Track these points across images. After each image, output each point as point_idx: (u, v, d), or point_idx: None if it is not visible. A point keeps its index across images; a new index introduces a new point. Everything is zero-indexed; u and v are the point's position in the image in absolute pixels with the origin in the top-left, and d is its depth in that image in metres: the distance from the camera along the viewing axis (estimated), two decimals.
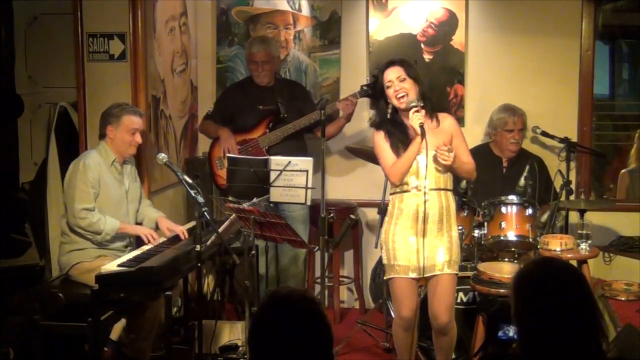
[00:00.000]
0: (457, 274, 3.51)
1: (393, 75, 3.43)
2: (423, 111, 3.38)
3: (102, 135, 3.82)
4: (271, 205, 3.94)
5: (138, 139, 3.82)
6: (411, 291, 3.46)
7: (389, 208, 3.53)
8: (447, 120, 3.53)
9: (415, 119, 3.34)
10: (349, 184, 5.15)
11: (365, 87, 4.43)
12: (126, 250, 3.82)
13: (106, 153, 3.79)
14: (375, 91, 4.15)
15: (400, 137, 3.45)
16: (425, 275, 3.44)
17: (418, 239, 3.41)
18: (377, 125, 3.54)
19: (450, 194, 3.50)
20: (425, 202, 3.39)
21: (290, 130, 4.47)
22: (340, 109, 4.50)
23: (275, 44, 4.76)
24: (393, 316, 4.11)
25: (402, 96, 3.41)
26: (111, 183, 3.78)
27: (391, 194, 3.55)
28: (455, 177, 3.61)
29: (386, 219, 3.53)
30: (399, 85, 3.41)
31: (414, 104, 3.37)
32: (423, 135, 3.32)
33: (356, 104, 4.48)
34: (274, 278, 4.64)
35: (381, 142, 3.50)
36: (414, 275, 3.43)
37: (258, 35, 4.96)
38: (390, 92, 3.43)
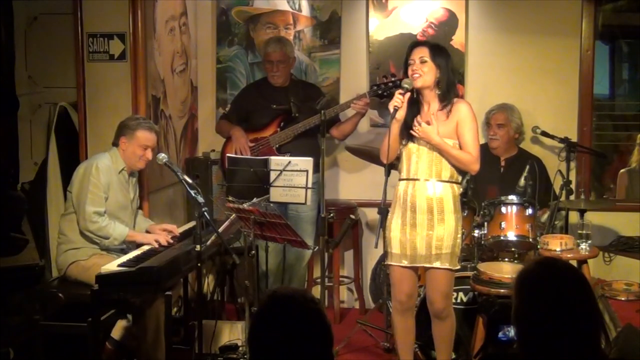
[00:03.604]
0: (451, 269, 3.48)
1: (416, 54, 3.43)
2: (407, 95, 3.38)
3: (115, 144, 3.82)
4: (271, 205, 3.93)
5: (149, 155, 3.81)
6: (405, 277, 3.51)
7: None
8: (457, 106, 3.46)
9: (393, 100, 3.37)
10: (349, 184, 5.15)
11: (375, 87, 4.40)
12: (123, 250, 3.81)
13: (117, 160, 3.79)
14: (386, 89, 4.19)
15: (410, 119, 3.43)
16: (417, 265, 3.48)
17: (407, 228, 3.44)
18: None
19: (445, 185, 3.45)
20: (414, 191, 3.42)
21: (301, 129, 4.46)
22: (356, 110, 4.46)
23: (291, 45, 4.76)
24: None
25: (417, 77, 3.41)
26: (119, 189, 3.78)
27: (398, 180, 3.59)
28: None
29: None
30: (418, 66, 3.41)
31: (406, 86, 3.39)
32: (391, 119, 3.36)
33: (369, 102, 4.46)
34: (279, 276, 4.65)
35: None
36: (405, 263, 3.48)
37: (274, 35, 4.96)
38: (409, 70, 3.44)
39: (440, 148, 3.40)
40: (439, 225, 3.42)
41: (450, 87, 3.45)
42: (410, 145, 3.47)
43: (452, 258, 3.46)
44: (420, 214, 3.42)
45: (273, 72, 4.60)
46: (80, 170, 3.73)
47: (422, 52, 3.42)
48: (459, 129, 3.43)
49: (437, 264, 3.45)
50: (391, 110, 3.38)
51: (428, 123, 3.39)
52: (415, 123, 3.40)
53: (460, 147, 3.44)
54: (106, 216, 3.67)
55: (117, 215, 3.76)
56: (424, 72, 3.40)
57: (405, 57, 3.50)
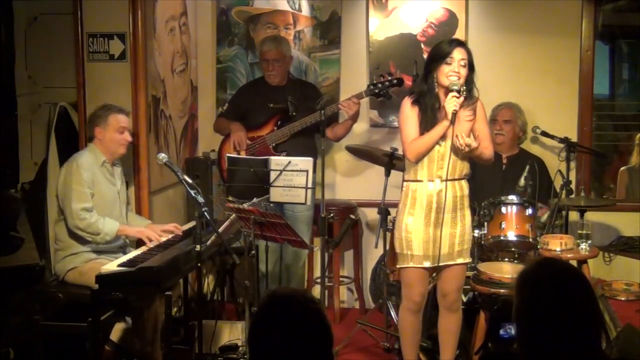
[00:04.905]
0: (469, 262, 3.57)
1: (459, 55, 3.36)
2: (462, 99, 3.35)
3: (91, 138, 3.83)
4: (271, 205, 3.93)
5: (127, 137, 3.83)
6: (422, 279, 3.52)
7: (402, 196, 3.52)
8: (476, 104, 3.50)
9: (451, 102, 3.32)
10: (349, 184, 5.15)
11: (371, 87, 4.37)
12: (121, 251, 3.81)
13: (96, 154, 3.79)
14: (382, 88, 4.14)
15: (435, 116, 3.40)
16: (440, 264, 3.47)
17: (433, 229, 3.43)
18: (415, 95, 3.48)
19: (464, 182, 3.50)
20: (440, 192, 3.40)
21: (297, 128, 4.45)
22: (344, 111, 4.44)
23: (287, 44, 4.75)
24: (393, 316, 4.12)
25: (456, 79, 3.35)
26: (104, 183, 3.78)
27: (405, 180, 3.54)
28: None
29: (400, 206, 3.53)
30: (458, 68, 3.36)
31: (456, 87, 3.33)
32: (452, 122, 3.32)
33: (359, 103, 4.43)
34: (277, 276, 4.65)
35: (409, 113, 3.46)
36: (427, 264, 3.47)
37: (271, 34, 4.95)
38: (445, 67, 3.36)
39: (478, 151, 3.44)
40: (461, 221, 3.48)
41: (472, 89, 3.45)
42: (435, 146, 3.43)
43: (469, 251, 3.55)
44: (447, 212, 3.43)
45: (269, 71, 4.60)
46: (62, 172, 3.73)
47: (464, 55, 3.37)
48: (477, 124, 3.48)
49: (460, 260, 3.50)
50: (450, 114, 3.31)
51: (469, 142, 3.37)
52: (455, 139, 3.35)
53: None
54: (95, 212, 3.66)
55: (107, 210, 3.74)
56: (461, 75, 3.36)
57: (439, 52, 3.40)
